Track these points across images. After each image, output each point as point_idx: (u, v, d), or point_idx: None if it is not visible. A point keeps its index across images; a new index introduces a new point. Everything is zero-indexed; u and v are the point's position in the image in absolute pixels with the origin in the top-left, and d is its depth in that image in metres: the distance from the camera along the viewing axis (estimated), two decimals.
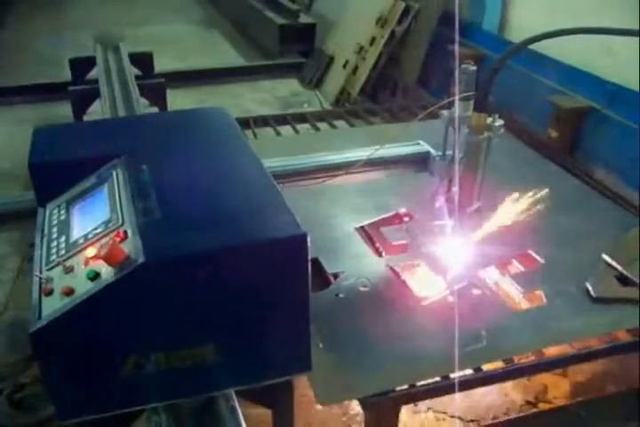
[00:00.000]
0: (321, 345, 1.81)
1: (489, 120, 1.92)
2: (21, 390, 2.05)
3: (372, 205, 2.58)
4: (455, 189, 2.03)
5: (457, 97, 1.88)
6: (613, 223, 2.51)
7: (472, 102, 1.91)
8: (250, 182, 1.54)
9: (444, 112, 1.99)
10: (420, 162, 2.20)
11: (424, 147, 2.20)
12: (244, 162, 1.63)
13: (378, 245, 2.36)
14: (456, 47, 1.83)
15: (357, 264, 2.23)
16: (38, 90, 4.75)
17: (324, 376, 1.73)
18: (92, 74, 3.98)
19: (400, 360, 1.81)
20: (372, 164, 2.16)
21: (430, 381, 1.78)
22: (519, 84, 3.34)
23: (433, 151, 2.15)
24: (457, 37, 1.83)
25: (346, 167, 2.12)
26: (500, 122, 1.93)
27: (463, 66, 1.86)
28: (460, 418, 2.09)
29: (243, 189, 1.51)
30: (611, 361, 2.21)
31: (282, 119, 3.83)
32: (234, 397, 1.50)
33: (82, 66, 4.08)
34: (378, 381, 1.74)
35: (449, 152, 2.05)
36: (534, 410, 2.12)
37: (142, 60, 4.09)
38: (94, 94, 3.51)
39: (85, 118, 3.66)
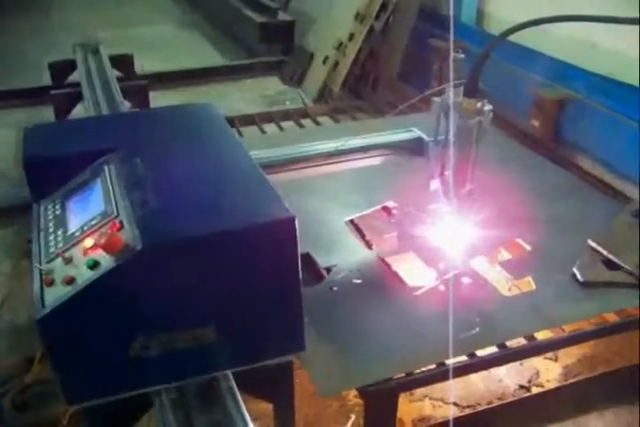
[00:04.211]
0: None
1: (479, 105, 1.98)
2: (24, 392, 2.07)
3: (363, 196, 2.61)
4: (448, 172, 2.10)
5: (451, 83, 1.94)
6: (597, 210, 2.56)
7: (462, 89, 1.97)
8: (238, 171, 1.61)
9: (436, 99, 2.04)
10: (413, 148, 2.24)
11: (416, 133, 2.24)
12: (232, 153, 1.70)
13: (368, 238, 2.39)
14: (451, 39, 1.88)
15: (349, 257, 2.26)
16: (19, 94, 4.71)
17: (324, 368, 1.77)
18: (73, 77, 3.98)
19: (396, 349, 1.85)
20: (365, 150, 2.20)
21: (427, 368, 1.82)
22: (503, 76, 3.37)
23: (425, 137, 2.20)
24: (452, 30, 1.87)
25: (335, 155, 2.17)
26: (489, 106, 2.00)
27: (453, 54, 1.92)
28: (455, 404, 2.13)
29: (232, 177, 1.58)
30: (599, 343, 2.25)
31: (266, 117, 3.86)
32: (233, 382, 1.55)
33: (62, 69, 4.07)
34: (376, 370, 1.77)
35: (441, 137, 2.10)
36: (527, 394, 2.16)
37: (123, 62, 4.09)
38: (77, 97, 3.51)
39: None
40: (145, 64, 4.50)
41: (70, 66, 3.94)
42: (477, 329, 1.91)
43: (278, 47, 5.48)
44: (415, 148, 2.24)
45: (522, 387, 2.19)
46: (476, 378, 2.17)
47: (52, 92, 3.72)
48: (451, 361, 1.82)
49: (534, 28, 1.87)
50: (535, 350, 2.00)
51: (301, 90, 4.97)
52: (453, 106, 2.00)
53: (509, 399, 2.13)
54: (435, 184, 2.19)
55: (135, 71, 4.17)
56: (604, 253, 2.24)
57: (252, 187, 1.54)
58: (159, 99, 4.08)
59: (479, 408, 2.10)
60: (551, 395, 2.16)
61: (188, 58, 5.63)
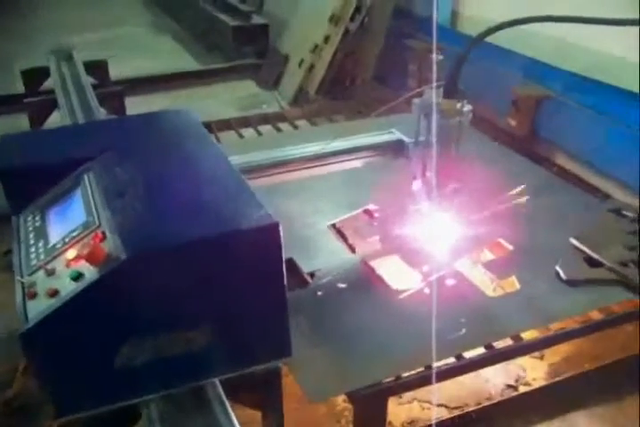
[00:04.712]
0: None
1: (458, 105, 1.99)
2: (8, 405, 2.04)
3: (345, 199, 2.61)
4: (429, 173, 2.11)
5: (433, 85, 1.95)
6: (578, 208, 2.57)
7: (441, 90, 1.99)
8: (219, 178, 1.59)
9: (416, 100, 2.05)
10: (394, 149, 2.24)
11: (397, 135, 2.24)
12: (211, 159, 1.69)
13: (351, 241, 2.39)
14: (434, 41, 1.87)
15: (333, 262, 2.25)
16: None
17: (312, 373, 1.76)
18: (46, 84, 3.93)
19: (384, 353, 1.84)
20: (346, 153, 2.20)
21: (415, 371, 1.81)
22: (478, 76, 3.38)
23: (406, 139, 2.20)
24: (434, 32, 1.87)
25: (315, 159, 2.16)
26: (468, 107, 2.01)
27: (431, 55, 1.93)
28: (444, 406, 2.12)
29: (212, 184, 1.57)
30: (584, 340, 2.26)
31: (243, 121, 3.84)
32: (220, 389, 1.54)
33: (35, 77, 4.01)
34: (364, 374, 1.77)
35: (422, 138, 2.11)
36: (515, 393, 2.16)
37: (97, 69, 4.03)
38: (52, 105, 3.46)
39: None
40: (118, 70, 4.44)
41: (43, 73, 3.88)
42: (464, 331, 1.91)
43: (253, 50, 5.46)
44: (396, 149, 2.24)
45: (509, 386, 2.19)
46: (463, 379, 2.16)
47: (26, 100, 3.66)
48: (440, 364, 1.82)
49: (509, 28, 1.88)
50: (523, 349, 2.01)
51: (277, 93, 4.96)
52: (432, 106, 2.01)
53: (497, 399, 2.13)
54: (417, 185, 2.19)
55: (110, 77, 4.11)
56: (586, 250, 2.25)
57: (234, 193, 1.52)
58: (134, 104, 4.03)
59: (467, 409, 2.09)
60: (538, 393, 2.16)
61: (161, 63, 5.59)
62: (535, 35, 3.06)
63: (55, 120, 3.46)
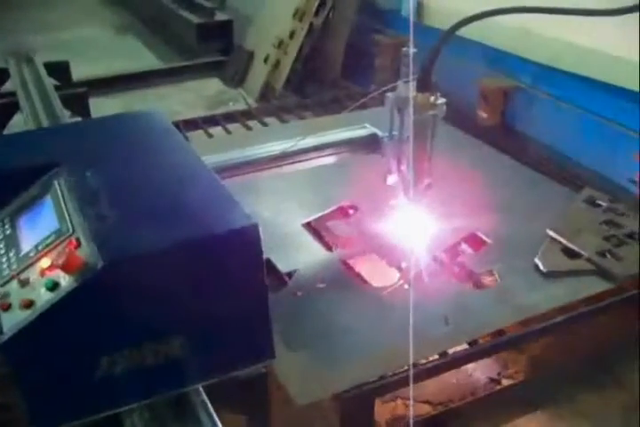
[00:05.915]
0: None
1: (432, 99, 1.97)
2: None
3: (319, 197, 2.58)
4: (404, 167, 2.09)
5: (410, 78, 1.93)
6: (552, 198, 2.58)
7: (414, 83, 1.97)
8: (193, 178, 1.55)
9: (389, 94, 2.03)
10: (369, 144, 2.22)
11: (370, 129, 2.21)
12: (184, 159, 1.64)
13: (327, 240, 2.36)
14: (411, 35, 1.85)
15: (310, 261, 2.22)
16: None
17: (297, 376, 1.73)
18: (6, 86, 3.83)
19: (369, 352, 1.82)
20: (319, 149, 2.17)
21: (402, 370, 1.79)
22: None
23: (380, 133, 2.18)
24: (411, 26, 1.84)
25: (289, 156, 2.12)
26: (442, 100, 2.00)
27: (404, 49, 1.90)
28: (428, 402, 2.11)
29: (187, 185, 1.52)
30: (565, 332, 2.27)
31: (211, 120, 3.78)
32: (204, 396, 1.49)
33: None
34: (350, 375, 1.75)
35: (395, 132, 2.10)
36: (499, 387, 2.16)
37: (59, 70, 3.94)
38: (13, 108, 3.37)
39: (6, 133, 3.51)
40: (80, 70, 4.35)
41: (2, 75, 3.78)
42: (448, 326, 1.90)
43: (217, 47, 5.40)
44: (370, 144, 2.21)
45: (492, 380, 2.19)
46: (447, 374, 2.15)
47: None
48: (424, 360, 1.81)
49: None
50: (508, 343, 2.02)
51: (243, 90, 4.91)
52: (406, 101, 1.99)
53: (481, 394, 2.12)
54: (392, 179, 2.17)
55: (72, 78, 4.02)
56: (564, 241, 2.26)
57: (210, 194, 1.48)
58: (96, 106, 3.95)
59: (452, 405, 2.08)
60: (521, 386, 2.16)
61: (124, 62, 5.49)
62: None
63: (16, 123, 3.38)
